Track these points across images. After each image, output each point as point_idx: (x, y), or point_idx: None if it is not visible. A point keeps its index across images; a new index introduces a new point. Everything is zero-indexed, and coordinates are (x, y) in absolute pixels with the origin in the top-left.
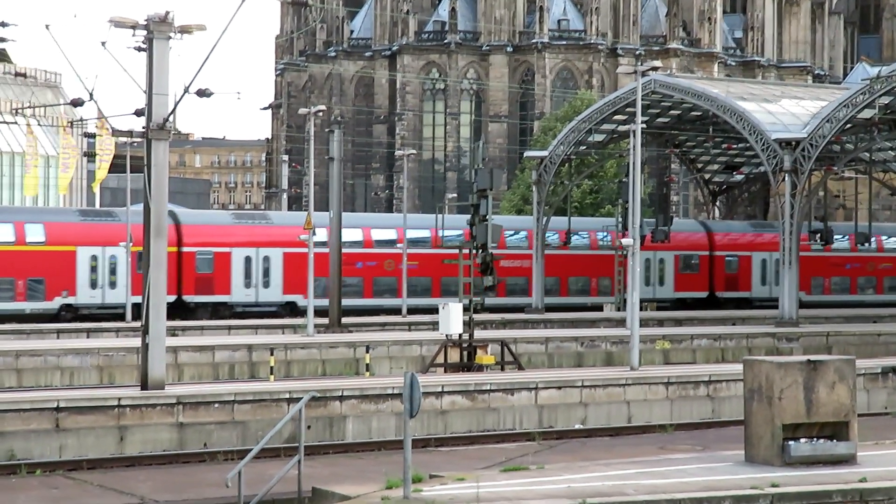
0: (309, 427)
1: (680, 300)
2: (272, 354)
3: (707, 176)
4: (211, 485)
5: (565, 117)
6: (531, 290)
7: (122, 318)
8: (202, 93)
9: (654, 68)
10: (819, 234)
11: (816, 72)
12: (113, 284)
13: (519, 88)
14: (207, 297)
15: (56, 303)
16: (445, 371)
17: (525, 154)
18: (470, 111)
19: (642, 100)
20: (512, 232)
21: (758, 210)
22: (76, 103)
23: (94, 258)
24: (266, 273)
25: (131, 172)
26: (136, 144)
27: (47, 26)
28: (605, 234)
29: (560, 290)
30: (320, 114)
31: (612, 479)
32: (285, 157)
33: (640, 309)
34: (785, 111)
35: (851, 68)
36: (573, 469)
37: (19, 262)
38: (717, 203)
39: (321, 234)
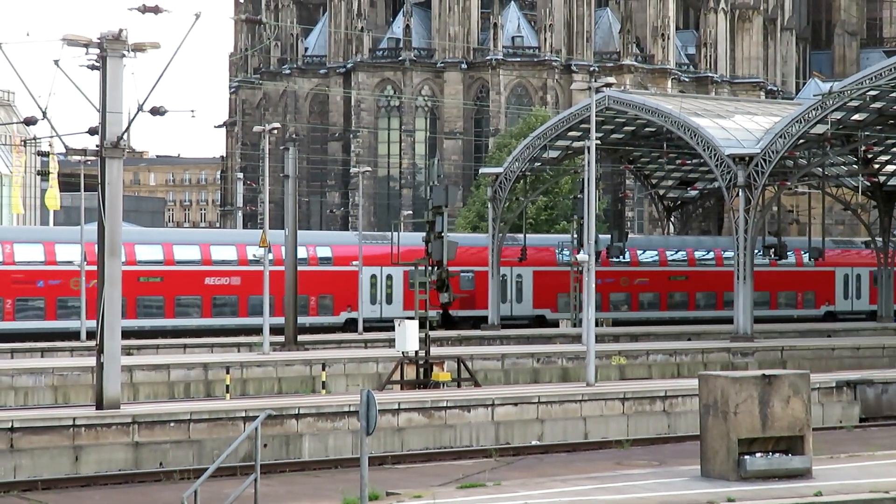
0: (265, 445)
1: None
2: (228, 373)
3: (661, 192)
4: None
5: (520, 134)
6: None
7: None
8: (156, 111)
9: (608, 84)
10: (773, 249)
11: (769, 87)
12: None
13: (474, 105)
14: None
15: None
16: (402, 388)
17: (480, 171)
18: (425, 128)
19: (597, 116)
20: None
21: (712, 225)
22: (29, 122)
23: None
24: None
25: (85, 191)
26: (89, 163)
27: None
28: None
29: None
30: (275, 131)
31: (569, 494)
32: (240, 175)
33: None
34: (738, 127)
35: (804, 84)
36: (530, 485)
37: None
38: (672, 218)
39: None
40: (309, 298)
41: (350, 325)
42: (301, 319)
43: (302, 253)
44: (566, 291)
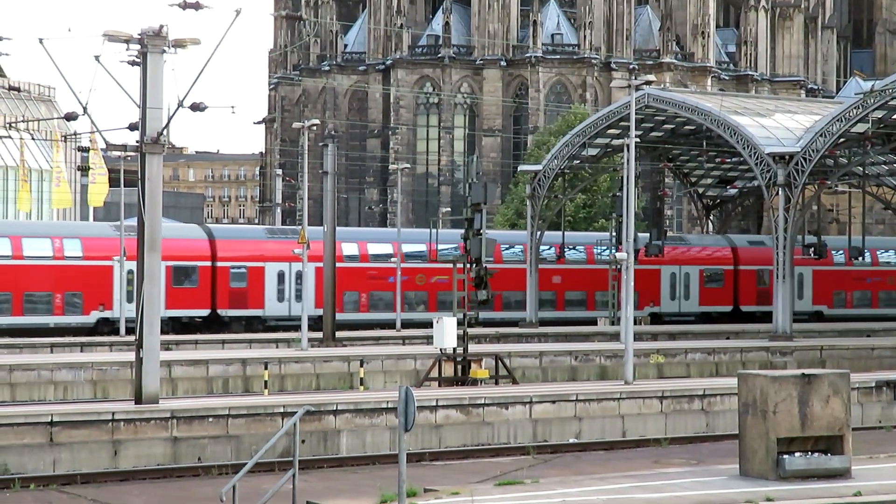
0: (303, 441)
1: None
2: (266, 368)
3: (701, 190)
4: (205, 499)
5: (559, 131)
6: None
7: None
8: (196, 107)
9: (648, 82)
10: (813, 248)
11: (810, 86)
12: None
13: (513, 102)
14: None
15: None
16: (440, 385)
17: (519, 168)
18: (464, 125)
19: (636, 114)
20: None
21: (751, 224)
22: (70, 117)
23: None
24: None
25: (125, 186)
26: (130, 158)
27: (41, 40)
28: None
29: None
30: (314, 128)
31: (607, 493)
32: (279, 172)
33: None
34: (778, 125)
35: (844, 82)
36: (568, 483)
37: None
38: (711, 217)
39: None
40: (54, 296)
41: (103, 326)
42: (44, 319)
43: (46, 247)
44: (353, 290)
